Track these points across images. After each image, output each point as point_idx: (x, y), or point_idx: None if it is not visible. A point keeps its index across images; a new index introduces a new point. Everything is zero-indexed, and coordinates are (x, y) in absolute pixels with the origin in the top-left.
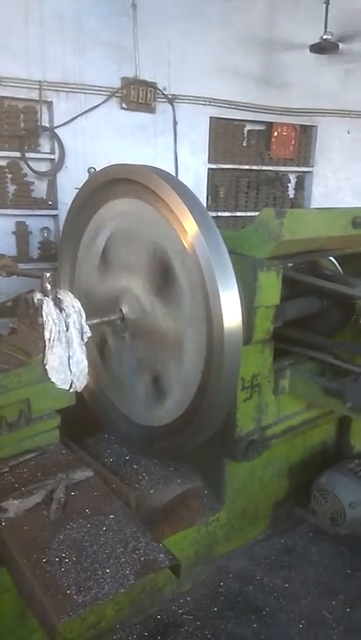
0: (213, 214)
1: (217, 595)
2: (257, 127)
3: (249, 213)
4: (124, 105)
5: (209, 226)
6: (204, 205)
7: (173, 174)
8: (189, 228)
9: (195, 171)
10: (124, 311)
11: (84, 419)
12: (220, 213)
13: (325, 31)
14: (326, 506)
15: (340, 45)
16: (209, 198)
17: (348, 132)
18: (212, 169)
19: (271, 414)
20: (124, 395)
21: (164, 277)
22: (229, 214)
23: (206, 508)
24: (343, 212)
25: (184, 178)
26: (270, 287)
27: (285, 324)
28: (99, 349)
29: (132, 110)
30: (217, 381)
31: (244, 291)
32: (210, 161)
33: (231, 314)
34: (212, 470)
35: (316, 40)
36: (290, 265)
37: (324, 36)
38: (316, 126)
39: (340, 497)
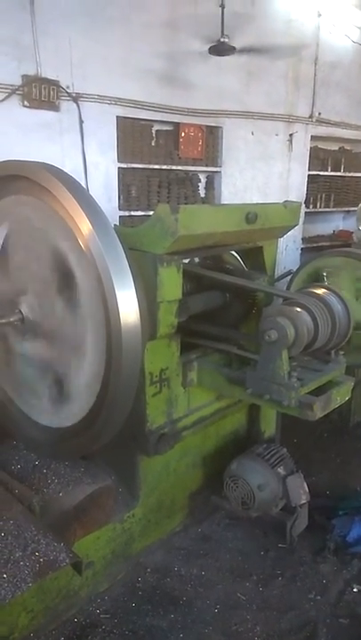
0: (126, 214)
1: (135, 590)
2: (165, 127)
3: None
4: (26, 103)
5: (103, 224)
6: (98, 204)
7: (82, 172)
8: (83, 227)
9: (105, 170)
10: (23, 312)
11: None
12: (133, 213)
13: (222, 34)
14: (237, 491)
15: (239, 48)
16: (121, 197)
17: (253, 134)
18: (122, 168)
19: (182, 407)
20: (29, 398)
21: (62, 277)
22: (142, 213)
23: (121, 505)
24: (237, 209)
25: (94, 176)
26: (171, 282)
27: (191, 318)
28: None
29: (35, 108)
30: (117, 380)
31: (146, 286)
32: (120, 160)
33: (128, 311)
34: (125, 467)
35: (215, 42)
36: (196, 260)
37: (222, 39)
38: (221, 127)
39: (249, 481)
